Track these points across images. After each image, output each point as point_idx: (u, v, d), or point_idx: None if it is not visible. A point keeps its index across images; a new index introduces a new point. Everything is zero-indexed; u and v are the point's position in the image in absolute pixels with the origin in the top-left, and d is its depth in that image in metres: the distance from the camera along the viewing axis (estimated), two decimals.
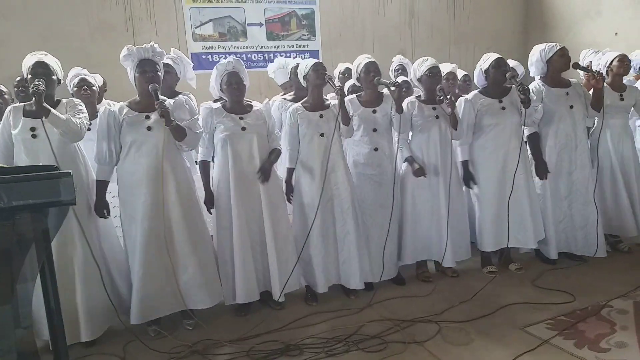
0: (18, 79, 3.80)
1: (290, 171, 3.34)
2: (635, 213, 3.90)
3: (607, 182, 3.91)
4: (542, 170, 3.69)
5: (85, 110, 2.93)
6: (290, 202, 3.34)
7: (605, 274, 3.55)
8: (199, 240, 3.05)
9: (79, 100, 3.00)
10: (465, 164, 3.67)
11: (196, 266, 3.00)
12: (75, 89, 3.53)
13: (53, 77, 2.82)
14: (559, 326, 2.84)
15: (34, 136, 2.76)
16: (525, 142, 3.69)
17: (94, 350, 2.86)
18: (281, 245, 3.21)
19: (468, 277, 3.62)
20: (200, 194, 3.20)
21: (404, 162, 3.54)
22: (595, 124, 3.91)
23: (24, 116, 2.80)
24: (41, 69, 2.77)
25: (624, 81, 4.04)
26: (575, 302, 3.12)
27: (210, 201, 3.18)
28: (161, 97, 2.82)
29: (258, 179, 3.12)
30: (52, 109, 2.67)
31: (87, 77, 3.56)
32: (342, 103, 3.15)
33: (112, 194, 3.11)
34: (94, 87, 3.60)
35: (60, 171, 1.53)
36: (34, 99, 2.59)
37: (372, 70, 3.35)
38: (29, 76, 2.77)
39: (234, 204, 3.08)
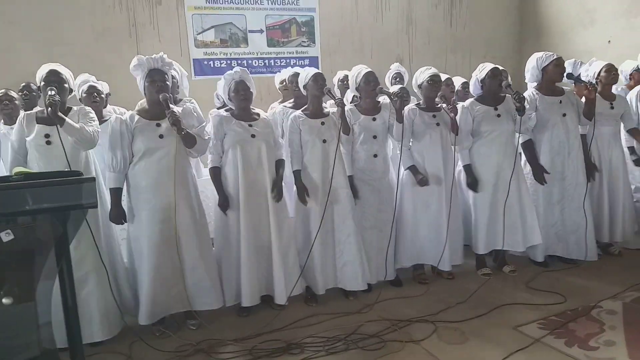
0: (23, 85, 3.89)
1: (297, 173, 3.38)
2: (624, 218, 4.02)
3: (596, 188, 4.02)
4: (539, 174, 3.79)
5: (96, 118, 3.03)
6: (305, 203, 3.37)
7: (595, 276, 3.66)
8: (205, 244, 3.16)
9: (89, 109, 3.09)
10: (467, 167, 3.76)
11: (204, 269, 3.10)
12: (84, 95, 3.61)
13: (65, 85, 2.92)
14: (551, 326, 2.94)
15: (48, 142, 2.84)
16: (519, 150, 3.80)
17: (100, 350, 2.94)
18: (285, 251, 3.30)
19: (463, 279, 3.73)
20: (203, 197, 3.29)
21: (405, 170, 3.62)
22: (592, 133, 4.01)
23: (37, 123, 2.88)
24: (54, 77, 2.86)
25: (615, 91, 4.16)
26: (566, 303, 3.23)
27: (225, 205, 3.24)
28: (172, 106, 2.92)
29: (273, 199, 3.22)
30: (66, 119, 2.77)
31: (95, 85, 3.66)
32: (342, 114, 3.26)
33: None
34: (103, 95, 3.70)
35: (84, 177, 1.63)
36: (49, 109, 2.67)
37: (372, 80, 3.47)
38: (42, 83, 2.86)
39: (243, 209, 3.17)
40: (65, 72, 2.96)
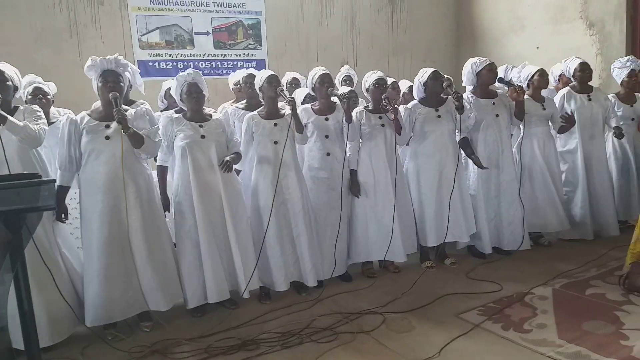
0: None
1: (236, 172, 3.47)
2: (560, 210, 4.33)
3: (535, 183, 4.30)
4: (479, 163, 4.00)
5: (43, 116, 2.97)
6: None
7: (528, 265, 3.93)
8: (158, 245, 3.15)
9: (37, 107, 3.03)
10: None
11: (153, 270, 3.09)
12: (30, 97, 3.52)
13: (8, 83, 2.85)
14: (489, 312, 3.16)
15: None
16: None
17: (51, 355, 2.87)
18: (243, 247, 3.35)
19: (408, 272, 3.90)
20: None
21: (350, 170, 3.74)
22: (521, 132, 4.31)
23: None
24: None
25: (544, 93, 4.49)
26: (503, 291, 3.46)
27: (166, 205, 3.30)
28: (124, 106, 2.91)
29: (221, 169, 3.20)
30: (9, 117, 2.70)
31: (41, 86, 3.57)
32: (294, 112, 3.36)
33: (71, 206, 3.17)
34: (49, 96, 3.61)
35: (42, 179, 1.64)
36: None
37: (326, 82, 3.62)
38: None
39: (198, 209, 3.19)
40: (9, 70, 2.89)
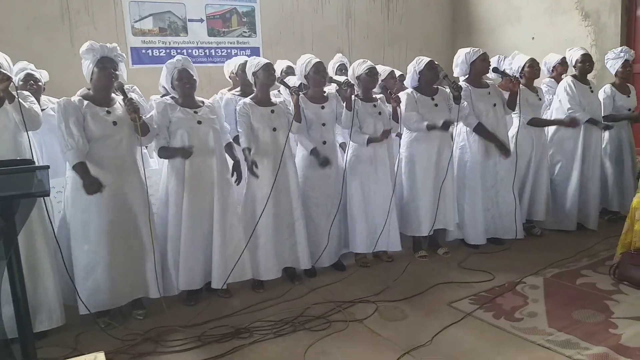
0: None
1: (248, 151, 3.34)
2: (546, 200, 4.37)
3: (525, 172, 4.32)
4: (504, 149, 4.00)
5: (36, 101, 2.94)
6: (257, 177, 3.30)
7: (520, 255, 3.97)
8: (159, 231, 3.17)
9: (28, 93, 3.00)
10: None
11: (145, 258, 3.10)
12: (21, 83, 3.49)
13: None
14: (480, 301, 3.19)
15: None
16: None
17: (45, 343, 2.87)
18: (229, 236, 3.34)
19: (402, 262, 3.91)
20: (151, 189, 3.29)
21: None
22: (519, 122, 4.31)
23: None
24: None
25: (543, 82, 4.51)
26: (494, 280, 3.50)
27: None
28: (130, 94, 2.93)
29: (234, 183, 3.30)
30: (16, 96, 2.66)
31: (33, 73, 3.55)
32: (297, 102, 3.37)
33: (56, 189, 3.12)
34: (40, 83, 3.58)
35: (36, 165, 1.63)
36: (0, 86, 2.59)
37: (321, 70, 3.60)
38: None
39: (187, 196, 3.19)
40: (2, 57, 2.84)
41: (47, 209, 2.76)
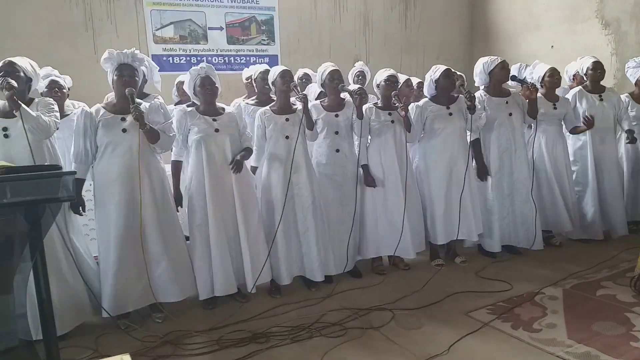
0: None
1: (253, 169, 3.54)
2: (569, 210, 4.32)
3: (543, 183, 4.30)
4: (482, 172, 4.05)
5: (57, 109, 3.02)
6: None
7: (538, 265, 3.93)
8: (172, 238, 3.20)
9: (51, 100, 3.07)
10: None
11: (168, 262, 3.14)
12: (46, 89, 3.58)
13: (19, 74, 2.89)
14: (498, 311, 3.16)
15: (5, 136, 2.82)
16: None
17: (66, 344, 2.91)
18: (253, 241, 3.38)
19: (418, 270, 3.92)
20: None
21: (359, 167, 3.76)
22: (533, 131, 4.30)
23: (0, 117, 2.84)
24: (7, 68, 2.85)
25: (559, 92, 4.47)
26: (513, 290, 3.46)
27: (178, 200, 3.34)
28: (137, 100, 2.95)
29: (231, 170, 3.27)
30: (22, 104, 2.74)
31: (57, 79, 3.63)
32: (305, 109, 3.38)
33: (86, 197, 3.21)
34: (64, 89, 3.66)
35: (63, 170, 1.68)
36: (5, 94, 2.66)
37: (335, 78, 3.62)
38: None
39: (210, 202, 3.23)
40: (23, 62, 2.92)
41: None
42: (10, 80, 2.70)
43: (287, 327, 3.03)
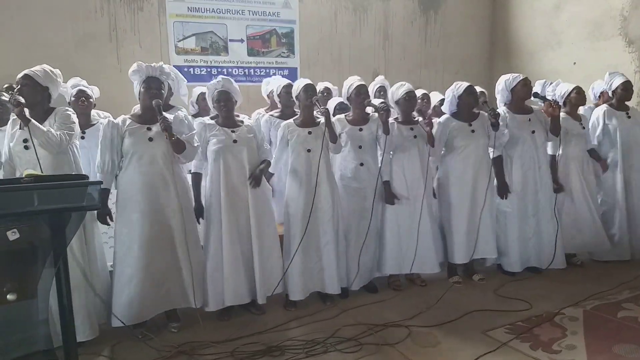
0: (5, 86, 3.86)
1: (269, 176, 3.56)
2: (598, 230, 4.24)
3: (578, 204, 4.21)
4: (503, 190, 4.00)
5: (75, 121, 3.01)
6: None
7: (559, 285, 3.86)
8: (192, 246, 3.21)
9: (71, 111, 3.06)
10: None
11: (189, 270, 3.16)
12: (73, 99, 3.65)
13: (37, 87, 2.91)
14: (517, 330, 3.11)
15: (26, 147, 2.83)
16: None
17: (82, 351, 2.89)
18: (267, 255, 3.38)
19: (435, 287, 3.87)
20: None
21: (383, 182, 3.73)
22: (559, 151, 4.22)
23: (19, 128, 2.88)
24: (23, 81, 2.88)
25: (581, 111, 4.43)
26: (532, 310, 3.41)
27: (199, 211, 3.35)
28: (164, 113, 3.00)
29: (249, 184, 3.29)
30: (32, 120, 2.75)
31: (85, 89, 3.70)
32: (328, 122, 3.40)
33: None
34: (91, 99, 3.73)
35: (90, 180, 1.70)
36: (14, 111, 2.70)
37: (362, 93, 3.64)
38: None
39: (224, 213, 3.24)
40: (40, 73, 2.92)
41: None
42: (17, 97, 2.73)
43: (302, 340, 3.02)
